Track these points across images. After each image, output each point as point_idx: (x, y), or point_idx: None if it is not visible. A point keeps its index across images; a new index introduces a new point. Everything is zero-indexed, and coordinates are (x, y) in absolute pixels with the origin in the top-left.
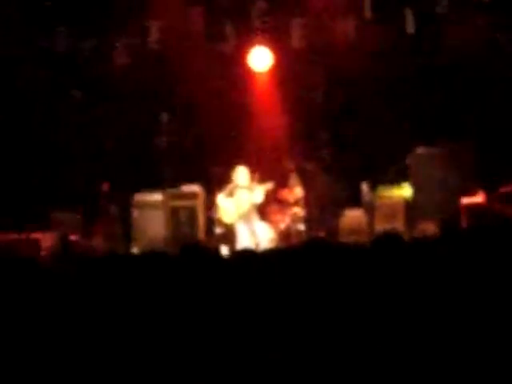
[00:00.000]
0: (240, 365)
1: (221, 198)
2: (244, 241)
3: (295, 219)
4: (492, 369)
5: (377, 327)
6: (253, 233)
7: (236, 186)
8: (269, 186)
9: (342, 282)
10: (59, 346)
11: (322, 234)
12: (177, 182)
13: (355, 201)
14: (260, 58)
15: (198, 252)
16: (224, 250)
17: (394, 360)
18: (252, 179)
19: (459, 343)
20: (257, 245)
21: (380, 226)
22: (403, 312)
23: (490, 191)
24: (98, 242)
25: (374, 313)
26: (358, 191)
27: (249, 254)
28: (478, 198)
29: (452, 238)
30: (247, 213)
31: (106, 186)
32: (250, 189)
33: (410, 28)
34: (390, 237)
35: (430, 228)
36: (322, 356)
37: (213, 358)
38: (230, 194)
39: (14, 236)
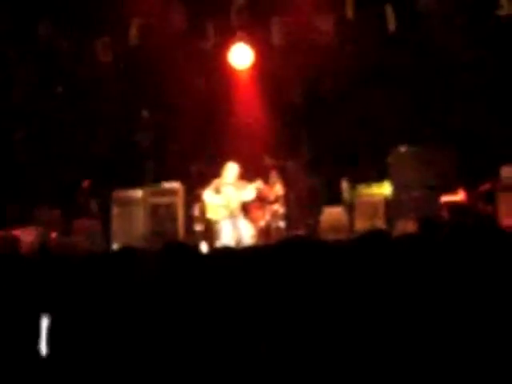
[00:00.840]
0: (220, 360)
1: (208, 194)
2: (227, 237)
3: (275, 216)
4: (473, 367)
5: (358, 324)
6: (236, 229)
7: (222, 183)
8: (259, 184)
9: (323, 279)
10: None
11: (301, 231)
12: (157, 178)
13: (335, 198)
14: (240, 55)
15: (180, 249)
16: (203, 247)
17: (378, 356)
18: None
19: (444, 340)
20: (239, 241)
21: (360, 224)
22: (384, 310)
23: (470, 189)
24: (77, 239)
25: (355, 310)
26: (338, 189)
27: (230, 252)
28: (459, 196)
29: (432, 235)
30: (235, 210)
31: (86, 183)
32: (235, 186)
33: (392, 26)
34: (375, 234)
35: (409, 226)
36: (303, 353)
37: (195, 353)
38: (217, 191)
39: None
